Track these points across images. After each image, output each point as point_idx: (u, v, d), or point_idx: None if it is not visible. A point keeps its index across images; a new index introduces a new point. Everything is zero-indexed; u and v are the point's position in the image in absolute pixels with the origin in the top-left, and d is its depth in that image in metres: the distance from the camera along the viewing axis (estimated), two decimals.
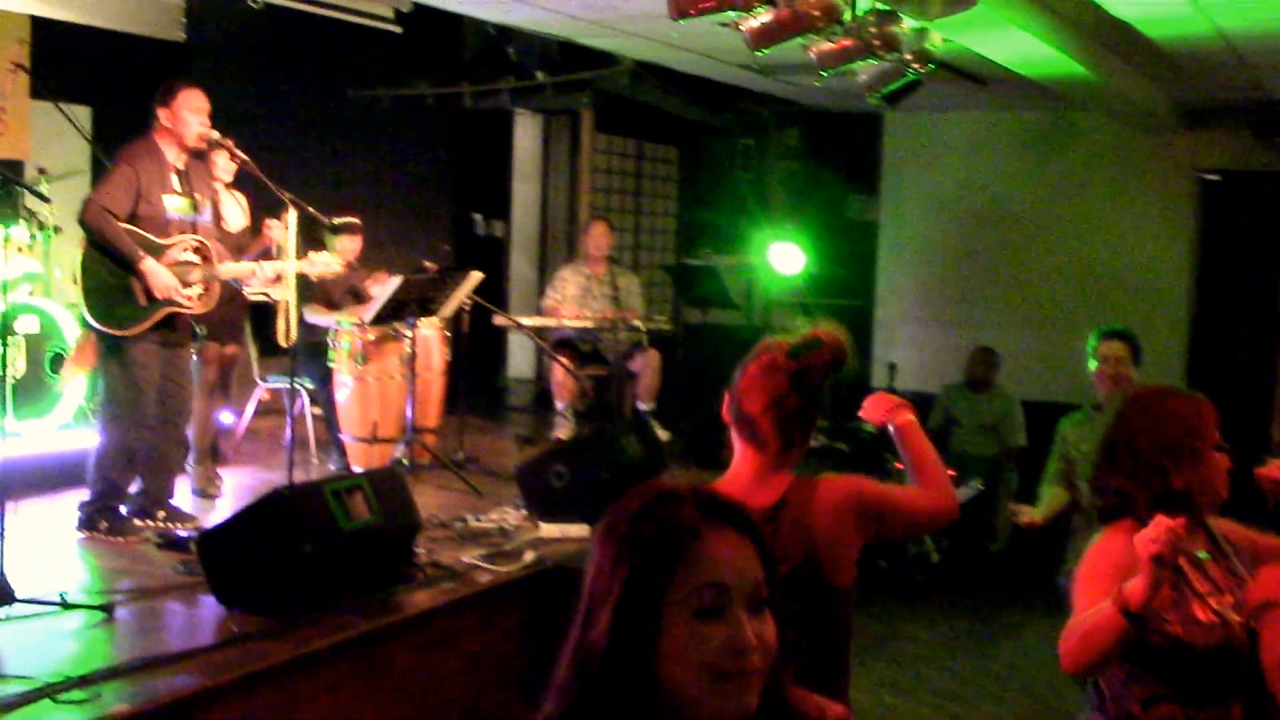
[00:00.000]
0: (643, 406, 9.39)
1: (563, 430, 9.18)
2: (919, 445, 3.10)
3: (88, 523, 6.12)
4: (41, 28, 8.80)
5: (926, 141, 12.46)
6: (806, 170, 12.94)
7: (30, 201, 7.84)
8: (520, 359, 12.37)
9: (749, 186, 12.65)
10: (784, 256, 10.48)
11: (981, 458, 9.59)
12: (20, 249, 7.47)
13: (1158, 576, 2.70)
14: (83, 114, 8.78)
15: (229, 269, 6.27)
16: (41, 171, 7.95)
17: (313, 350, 7.92)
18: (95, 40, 9.17)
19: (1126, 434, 3.05)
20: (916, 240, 12.56)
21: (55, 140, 8.58)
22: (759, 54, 5.83)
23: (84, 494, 6.20)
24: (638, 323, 9.47)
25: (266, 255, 6.94)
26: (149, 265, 5.96)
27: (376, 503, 5.30)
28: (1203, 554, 3.03)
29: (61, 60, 8.94)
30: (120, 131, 6.28)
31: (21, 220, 7.56)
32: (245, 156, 6.28)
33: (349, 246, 8.12)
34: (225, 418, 7.95)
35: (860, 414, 3.20)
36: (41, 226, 7.80)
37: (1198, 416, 3.04)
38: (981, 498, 9.11)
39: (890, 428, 3.13)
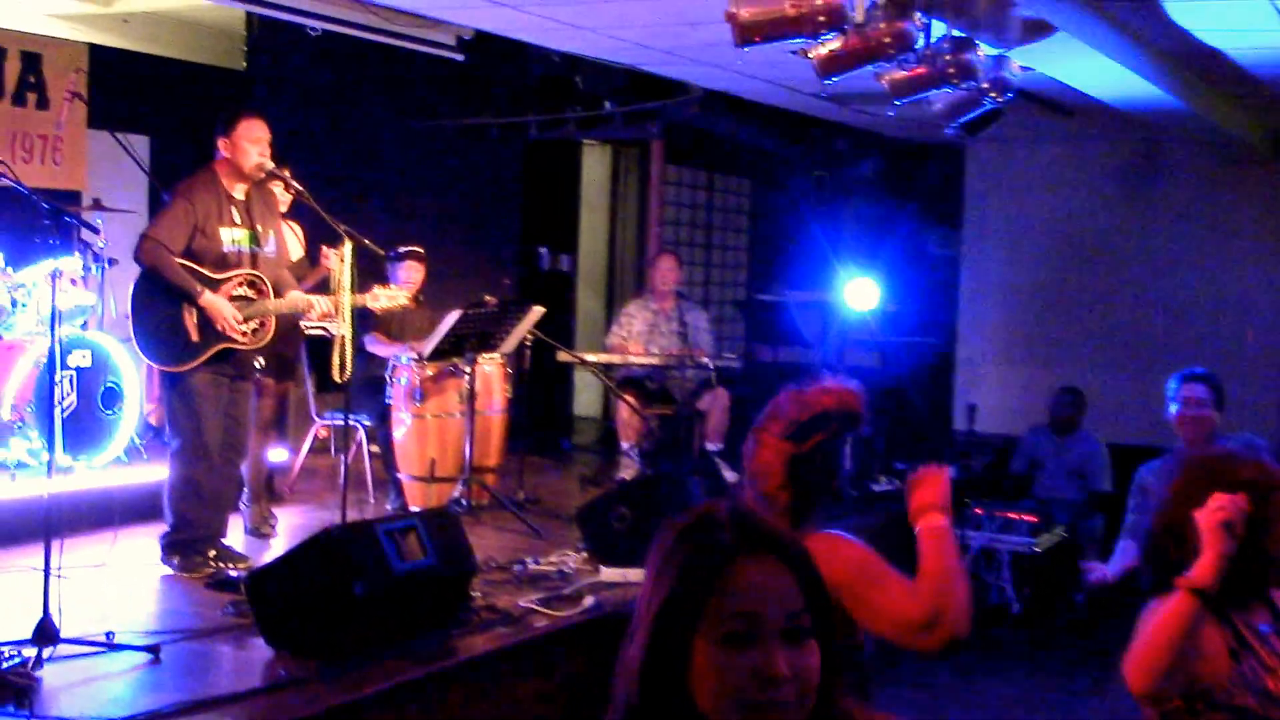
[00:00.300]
0: (711, 447, 9.39)
1: (628, 471, 9.20)
2: (936, 554, 2.93)
3: (166, 556, 6.28)
4: (100, 56, 9.03)
5: (1010, 173, 12.39)
6: (884, 203, 12.91)
7: (85, 233, 8.02)
8: (586, 397, 12.42)
9: (823, 219, 12.64)
10: (859, 292, 10.42)
11: (1066, 503, 9.49)
12: (74, 281, 7.63)
13: (1225, 550, 2.66)
14: (141, 144, 8.98)
15: (284, 303, 6.35)
16: (97, 203, 8.11)
17: (370, 386, 8.01)
18: (154, 68, 9.39)
19: (1186, 504, 2.90)
20: (999, 276, 12.48)
21: (112, 170, 8.78)
22: (828, 82, 5.85)
23: (159, 528, 6.37)
24: (706, 360, 9.48)
25: (324, 286, 7.04)
26: (208, 299, 6.09)
27: (431, 544, 5.33)
28: (1267, 628, 2.97)
29: (120, 89, 9.15)
30: (179, 162, 6.44)
31: (75, 252, 7.71)
32: (300, 187, 6.39)
33: (413, 278, 8.19)
34: (280, 454, 8.05)
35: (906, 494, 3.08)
36: (96, 258, 7.96)
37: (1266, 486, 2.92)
38: (1065, 546, 9.01)
39: (915, 528, 3.00)
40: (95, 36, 9.14)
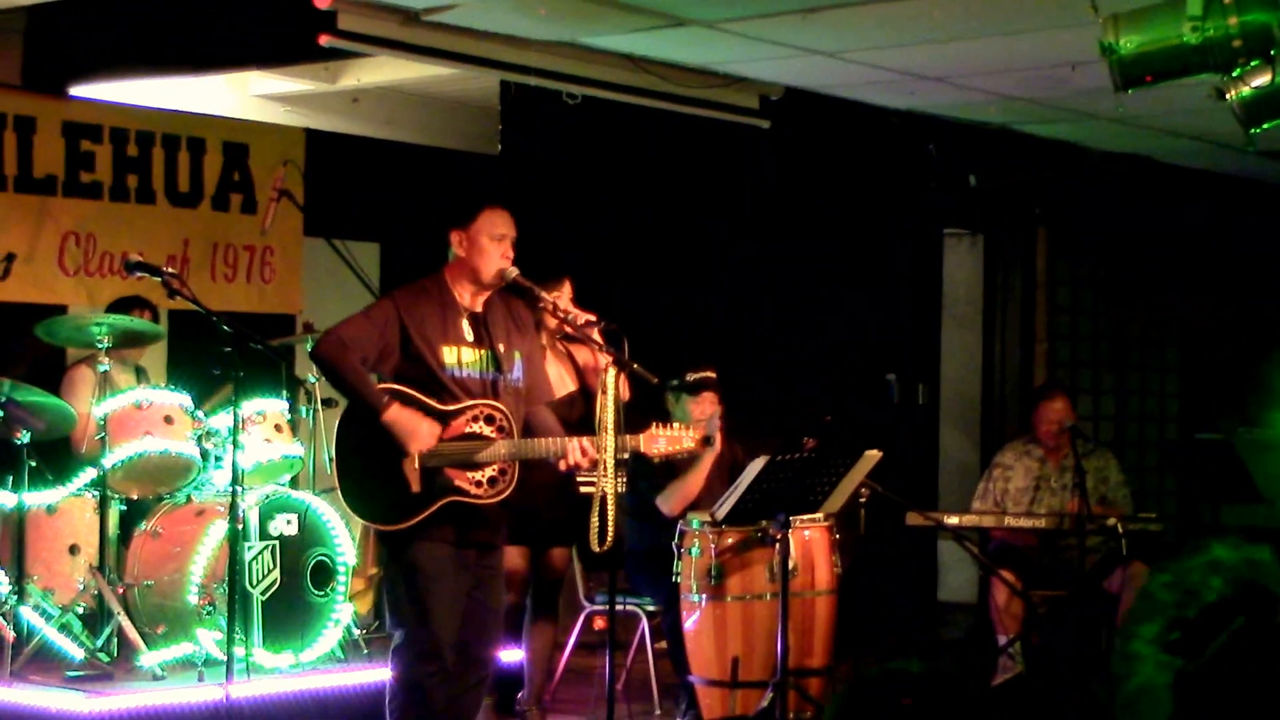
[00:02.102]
0: None
1: (1007, 674, 8.93)
2: None
3: None
4: (319, 145, 9.46)
5: None
6: None
7: (300, 366, 8.35)
8: (957, 575, 12.17)
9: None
10: None
11: None
12: (279, 427, 7.94)
13: None
14: (368, 253, 9.33)
15: (531, 445, 6.41)
16: (308, 327, 8.44)
17: (653, 559, 8.01)
18: (387, 158, 9.79)
19: None
20: None
21: (331, 287, 9.14)
22: (1255, 132, 5.63)
23: None
24: (1115, 523, 9.14)
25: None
26: (394, 415, 6.10)
27: None
28: None
29: (343, 185, 9.55)
30: (415, 276, 6.56)
31: (282, 391, 8.04)
32: (552, 300, 6.47)
33: (706, 412, 8.18)
34: (514, 655, 8.08)
35: None
36: (309, 399, 8.26)
37: None
38: None
39: None
40: (314, 120, 9.61)
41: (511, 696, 7.78)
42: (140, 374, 8.37)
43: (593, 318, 6.71)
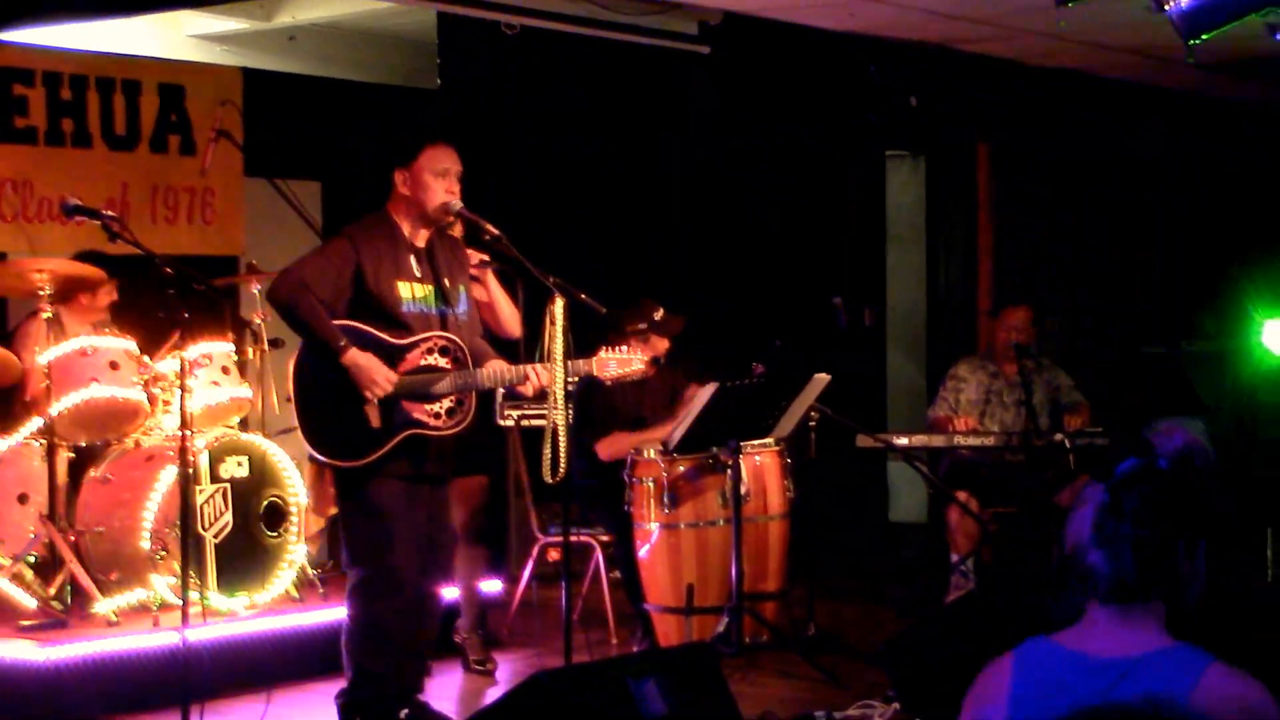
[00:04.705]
0: None
1: (960, 592, 8.98)
2: None
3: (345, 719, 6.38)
4: (256, 84, 9.38)
5: None
6: None
7: (244, 307, 8.31)
8: (907, 495, 12.21)
9: (1220, 233, 12.23)
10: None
11: None
12: (226, 369, 7.90)
13: None
14: (309, 192, 9.26)
15: (493, 373, 6.41)
16: (252, 268, 8.38)
17: (604, 488, 8.02)
18: (326, 96, 9.71)
19: None
20: None
21: (273, 228, 9.08)
22: (1193, 44, 5.66)
23: (337, 683, 6.47)
24: (1062, 439, 9.19)
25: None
26: (352, 357, 6.12)
27: (677, 695, 5.27)
28: None
29: (282, 124, 9.47)
30: (358, 214, 6.56)
31: (227, 333, 7.99)
32: (497, 231, 6.45)
33: (659, 345, 8.18)
34: (493, 585, 8.12)
35: None
36: (255, 340, 8.21)
37: None
38: None
39: None
40: (251, 59, 9.52)
41: (447, 628, 7.76)
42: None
43: None
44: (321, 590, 7.87)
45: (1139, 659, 2.93)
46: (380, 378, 6.12)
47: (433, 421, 6.28)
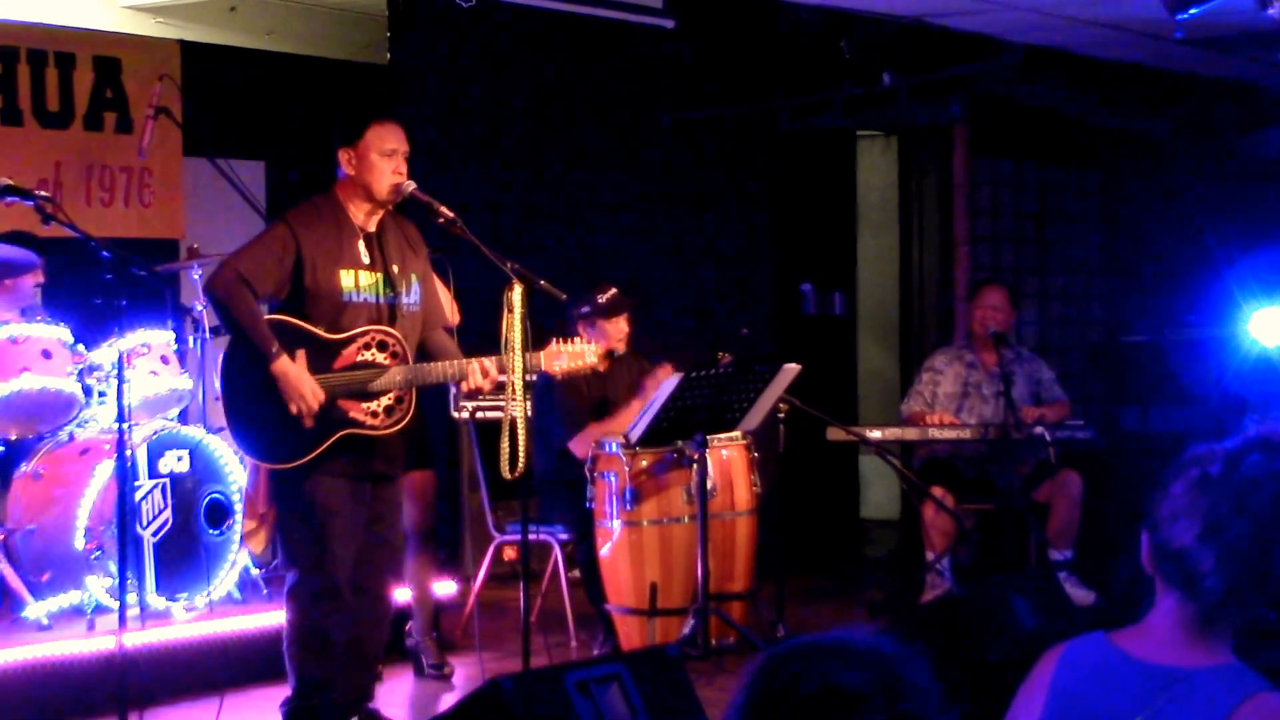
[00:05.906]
0: (1055, 555, 9.10)
1: (935, 591, 8.98)
2: None
3: None
4: (196, 58, 9.29)
5: None
6: None
7: (185, 293, 8.23)
8: (879, 491, 12.23)
9: (1210, 224, 12.24)
10: (1268, 324, 10.04)
11: None
12: (166, 359, 7.81)
13: None
14: (252, 172, 9.20)
15: (428, 369, 6.33)
16: (193, 252, 8.30)
17: (564, 484, 7.99)
18: (270, 71, 9.63)
19: None
20: None
21: (215, 210, 9.01)
22: (1181, 17, 5.64)
23: (284, 690, 6.40)
24: (1043, 432, 9.20)
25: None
26: (281, 367, 6.03)
27: (642, 699, 5.24)
28: None
29: (224, 101, 9.40)
30: (304, 195, 6.49)
31: (167, 322, 7.90)
32: (451, 214, 6.38)
33: (614, 331, 8.16)
34: (448, 587, 8.08)
35: None
36: (196, 327, 8.14)
37: None
38: None
39: None
40: (190, 32, 9.43)
41: (399, 632, 7.72)
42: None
43: None
44: (265, 591, 7.80)
45: (1193, 671, 2.87)
46: (307, 392, 6.03)
47: (370, 421, 6.19)
